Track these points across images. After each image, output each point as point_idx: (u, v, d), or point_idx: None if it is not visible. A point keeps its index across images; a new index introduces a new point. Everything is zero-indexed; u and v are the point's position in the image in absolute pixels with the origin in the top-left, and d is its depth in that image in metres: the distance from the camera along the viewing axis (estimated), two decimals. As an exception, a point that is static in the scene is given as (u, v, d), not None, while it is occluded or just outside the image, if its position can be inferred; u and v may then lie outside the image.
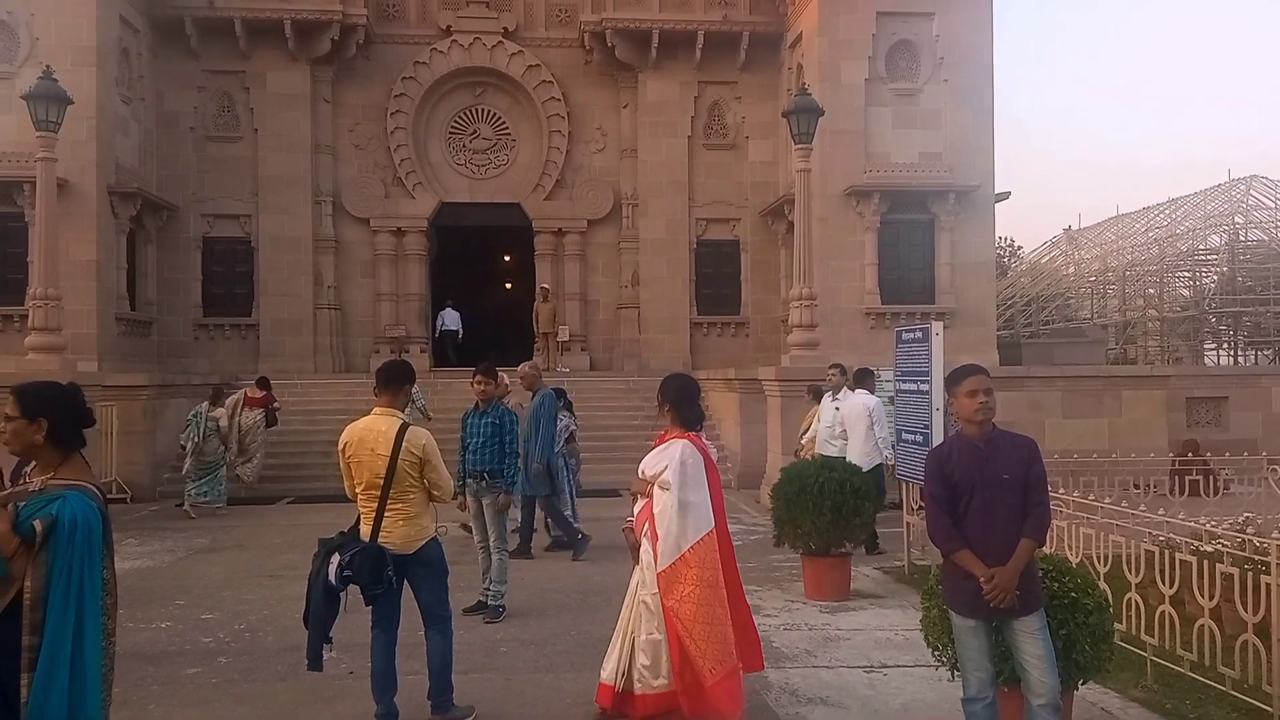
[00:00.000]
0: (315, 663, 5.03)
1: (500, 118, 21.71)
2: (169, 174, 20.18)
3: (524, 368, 10.32)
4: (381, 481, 5.03)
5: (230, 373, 18.42)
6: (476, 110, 21.65)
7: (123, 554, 9.77)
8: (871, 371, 10.83)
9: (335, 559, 4.97)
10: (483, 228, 22.11)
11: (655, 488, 5.06)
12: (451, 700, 5.37)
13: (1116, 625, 5.47)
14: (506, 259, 26.10)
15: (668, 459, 5.08)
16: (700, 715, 4.87)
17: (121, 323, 18.41)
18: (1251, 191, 26.57)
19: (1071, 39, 78.79)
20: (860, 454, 9.62)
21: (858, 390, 10.20)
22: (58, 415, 3.32)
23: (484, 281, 26.31)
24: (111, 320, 17.96)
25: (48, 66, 13.58)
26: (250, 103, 20.51)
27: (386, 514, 5.07)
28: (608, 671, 5.17)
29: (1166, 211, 28.16)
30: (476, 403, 7.85)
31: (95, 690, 3.11)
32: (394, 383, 5.27)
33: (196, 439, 12.97)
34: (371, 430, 5.13)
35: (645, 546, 5.07)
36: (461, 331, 21.86)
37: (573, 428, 10.90)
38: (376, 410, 5.25)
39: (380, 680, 5.22)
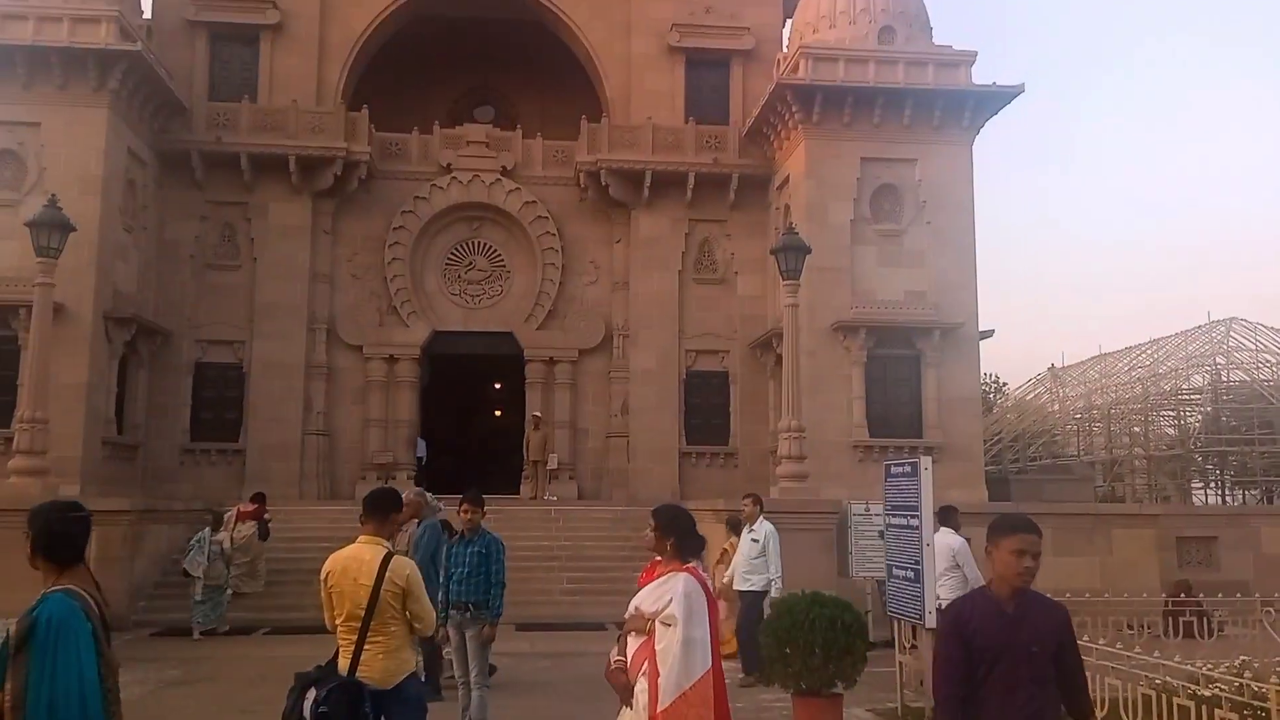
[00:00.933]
0: None
1: (496, 250, 22.20)
2: (166, 300, 20.45)
3: (409, 494, 9.39)
4: (362, 613, 4.86)
5: (215, 499, 18.20)
6: (473, 243, 22.16)
7: (92, 686, 9.44)
8: (954, 509, 10.09)
9: (311, 694, 4.77)
10: (475, 356, 22.34)
11: (658, 624, 4.80)
12: None
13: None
14: (497, 387, 26.24)
15: (670, 593, 4.87)
16: None
17: (108, 446, 18.32)
18: (1231, 333, 27.10)
19: (1054, 182, 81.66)
20: (944, 589, 8.99)
21: (942, 529, 9.44)
22: (35, 532, 3.56)
23: (473, 409, 26.39)
24: (98, 443, 17.88)
25: (53, 195, 13.96)
26: (251, 233, 20.98)
27: (367, 646, 4.88)
28: None
29: (1149, 351, 28.64)
30: (460, 531, 7.76)
31: None
32: (380, 510, 5.17)
33: (204, 563, 13.18)
34: (355, 559, 4.99)
35: (641, 685, 4.81)
36: (425, 459, 21.73)
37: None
38: (361, 539, 5.13)
39: None
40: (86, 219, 16.56)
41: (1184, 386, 27.04)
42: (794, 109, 19.31)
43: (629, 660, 4.93)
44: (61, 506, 3.77)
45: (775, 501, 13.75)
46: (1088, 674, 6.38)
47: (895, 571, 8.98)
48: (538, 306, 21.77)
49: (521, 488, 20.88)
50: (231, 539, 14.16)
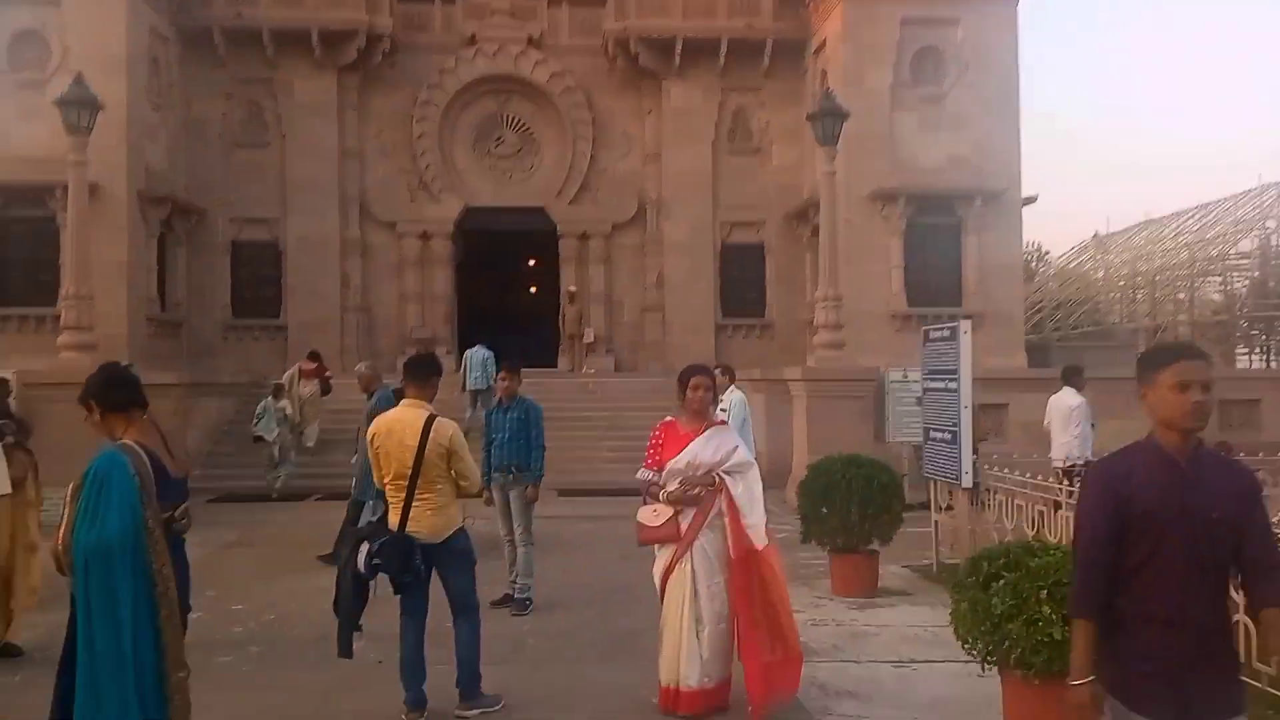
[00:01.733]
0: (346, 650, 5.08)
1: (525, 124, 21.83)
2: (198, 179, 20.43)
3: (360, 368, 9.91)
4: (409, 471, 5.04)
5: (259, 372, 18.55)
6: (502, 116, 21.79)
7: (153, 550, 9.85)
8: (1080, 369, 10.87)
9: (364, 548, 4.99)
10: (508, 232, 22.22)
11: (724, 474, 5.01)
12: (479, 689, 5.38)
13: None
14: (531, 264, 26.20)
15: (729, 443, 5.10)
16: (786, 688, 5.08)
17: (152, 324, 18.63)
18: (1283, 196, 26.27)
19: (1098, 43, 78.31)
20: (1058, 448, 10.21)
21: (1064, 388, 10.42)
22: (98, 395, 3.86)
23: (509, 286, 26.42)
24: (142, 321, 18.18)
25: (79, 73, 13.79)
26: (278, 110, 20.75)
27: (415, 504, 5.08)
28: (693, 678, 5.01)
29: (1196, 216, 27.90)
30: (499, 399, 7.91)
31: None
32: (421, 374, 5.36)
33: (275, 429, 14.30)
34: (400, 421, 5.16)
35: (712, 537, 5.00)
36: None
37: None
38: (405, 402, 5.31)
39: (409, 668, 5.25)
40: (114, 98, 16.39)
41: (1232, 252, 26.40)
42: (831, -34, 18.51)
43: (683, 521, 5.04)
44: (110, 364, 4.13)
45: (812, 370, 13.80)
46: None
47: (933, 434, 9.03)
48: (569, 181, 21.51)
49: (559, 361, 21.06)
50: (297, 396, 15.27)
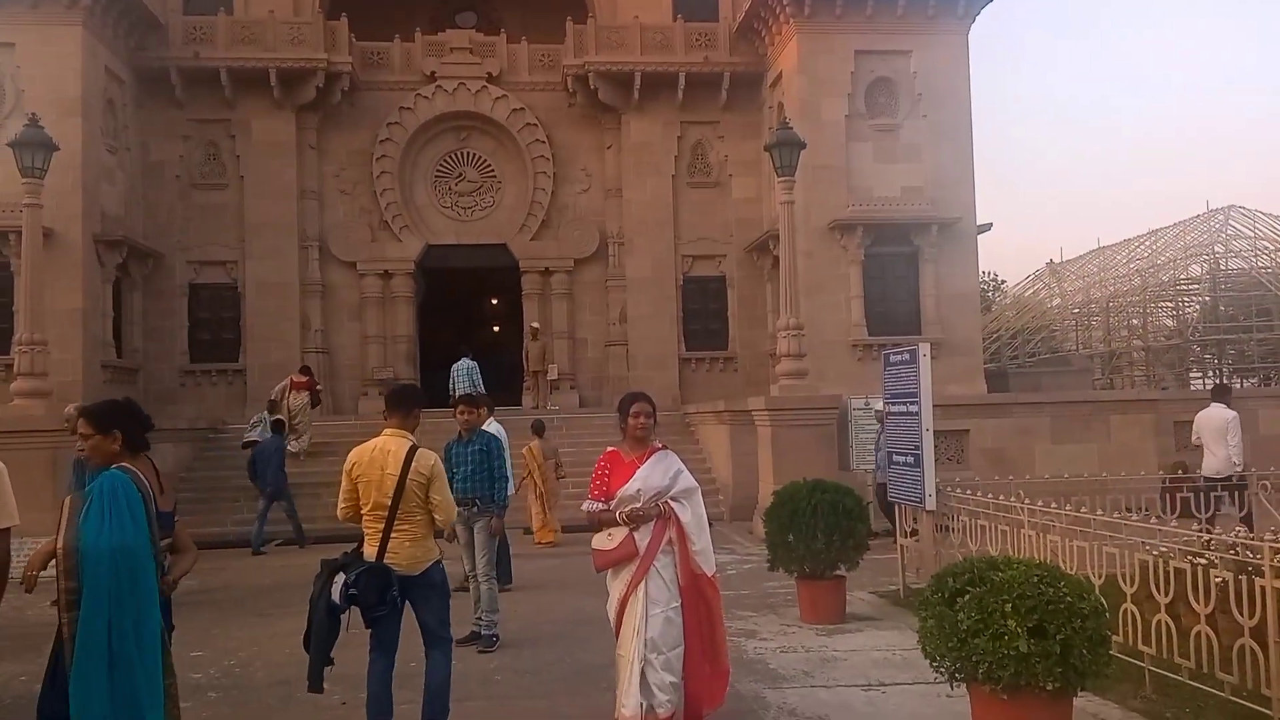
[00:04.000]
0: (316, 684, 4.94)
1: (485, 160, 21.89)
2: (155, 222, 20.24)
3: (67, 409, 10.05)
4: (389, 501, 4.99)
5: (217, 418, 18.34)
6: (462, 154, 21.83)
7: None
8: (1229, 388, 11.87)
9: (340, 579, 4.88)
10: (470, 269, 22.19)
11: (672, 501, 4.97)
12: None
13: (1114, 638, 5.44)
14: (494, 301, 26.16)
15: (674, 468, 5.07)
16: (715, 704, 5.12)
17: (108, 370, 18.34)
18: (1230, 221, 26.94)
19: (1048, 74, 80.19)
20: (1218, 461, 10.79)
21: (1213, 404, 11.09)
22: (127, 425, 4.10)
23: (472, 324, 26.34)
24: (97, 367, 17.89)
25: (33, 114, 13.67)
26: (236, 150, 20.65)
27: (393, 534, 5.02)
28: (630, 708, 4.80)
29: (1147, 243, 28.51)
30: (459, 433, 7.86)
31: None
32: (405, 405, 5.27)
33: (267, 434, 15.03)
34: (382, 450, 5.09)
35: (666, 562, 4.94)
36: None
37: None
38: (387, 432, 5.19)
39: (375, 704, 5.12)
40: (68, 140, 16.27)
41: (1182, 277, 26.98)
42: (785, 2, 18.84)
43: (640, 540, 4.92)
44: (131, 401, 4.41)
45: (775, 400, 13.84)
46: (1085, 544, 6.50)
47: (896, 458, 9.07)
48: (530, 216, 21.56)
49: (523, 398, 20.95)
50: (288, 408, 16.48)
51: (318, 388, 17.73)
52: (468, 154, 21.87)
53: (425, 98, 21.33)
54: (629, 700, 4.80)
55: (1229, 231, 26.65)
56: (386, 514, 4.99)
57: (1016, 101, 72.07)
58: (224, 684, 6.75)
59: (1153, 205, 63.97)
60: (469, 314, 25.85)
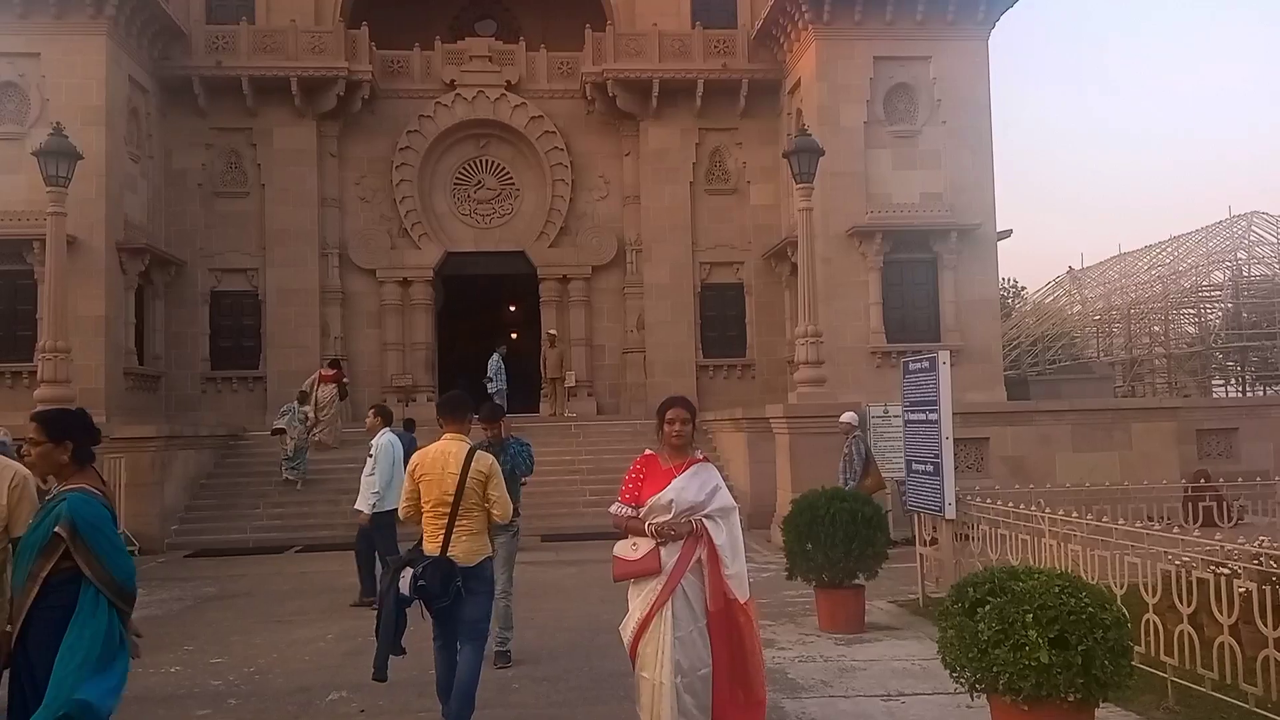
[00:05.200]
0: (381, 673, 5.27)
1: (504, 168, 21.97)
2: (177, 230, 20.43)
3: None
4: (450, 498, 5.35)
5: (238, 425, 18.46)
6: (481, 161, 21.93)
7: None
8: None
9: (408, 571, 5.26)
10: (488, 276, 22.27)
11: (706, 519, 4.62)
12: (470, 717, 5.37)
13: (1136, 648, 5.39)
14: (512, 309, 26.22)
15: (712, 482, 4.73)
16: None
17: (130, 377, 18.50)
18: (1253, 227, 26.70)
19: (1070, 79, 79.77)
20: None
21: None
22: (79, 436, 3.91)
23: (490, 331, 26.42)
24: (120, 375, 18.05)
25: (57, 123, 13.82)
26: (257, 159, 20.82)
27: (455, 529, 5.37)
28: None
29: (1169, 249, 28.28)
30: (488, 443, 7.84)
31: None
32: (460, 412, 5.75)
33: (299, 426, 16.31)
34: (444, 452, 5.48)
35: (692, 582, 4.60)
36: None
37: None
38: (446, 437, 5.58)
39: (445, 687, 5.43)
40: (93, 149, 16.44)
41: (1204, 283, 26.75)
42: (804, 8, 18.82)
43: (667, 557, 4.60)
44: (84, 412, 4.16)
45: (793, 407, 13.80)
46: (1107, 554, 6.45)
47: (914, 466, 9.03)
48: (549, 224, 21.62)
49: (541, 406, 21.01)
50: (316, 399, 17.25)
51: (345, 380, 18.39)
52: (487, 161, 21.96)
53: (445, 105, 21.45)
54: None
55: (1252, 238, 26.41)
56: (449, 510, 5.35)
57: (1039, 107, 71.74)
58: (244, 691, 6.78)
59: (1175, 212, 63.48)
60: (487, 321, 25.91)
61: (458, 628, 5.43)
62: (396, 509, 8.17)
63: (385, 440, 9.69)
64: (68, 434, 3.89)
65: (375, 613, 5.56)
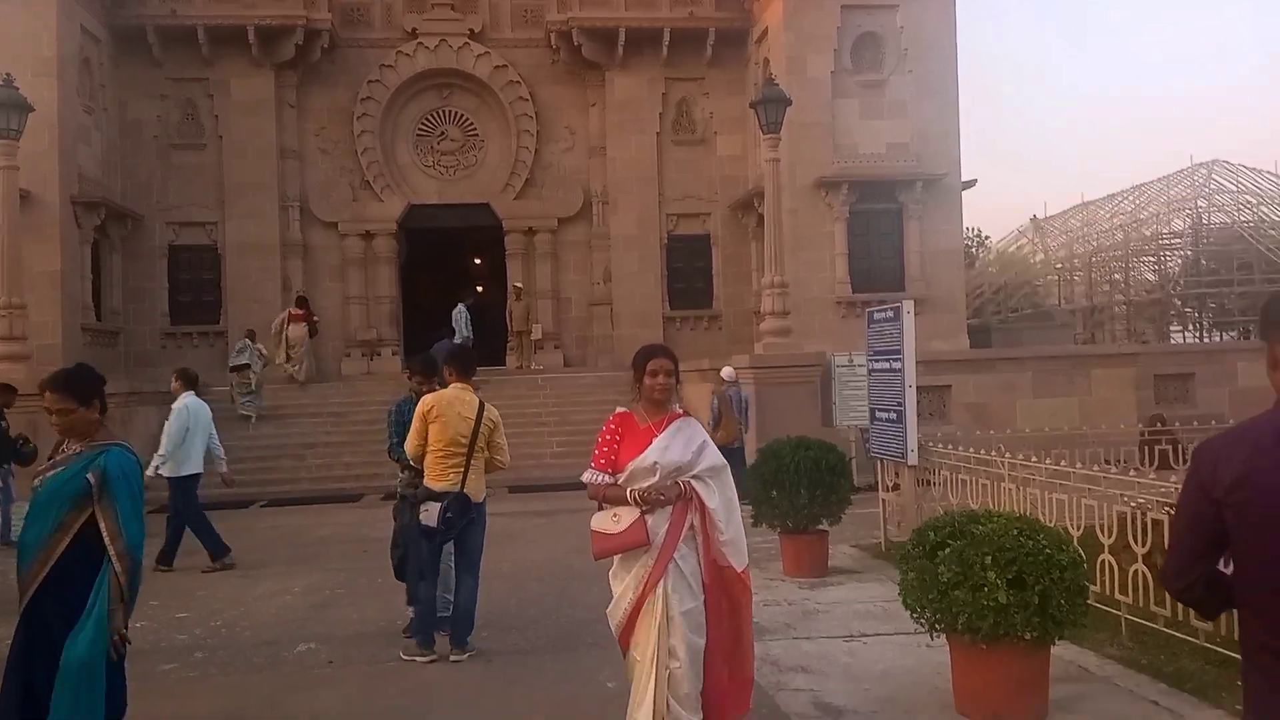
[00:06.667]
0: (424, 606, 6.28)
1: (468, 119, 21.65)
2: (133, 183, 19.98)
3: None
4: (465, 440, 6.07)
5: (201, 382, 18.20)
6: (444, 112, 21.58)
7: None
8: None
9: (435, 506, 6.00)
10: (453, 229, 22.02)
11: (694, 481, 4.11)
12: (468, 638, 6.22)
13: (1092, 588, 5.52)
14: (477, 262, 26.02)
15: (698, 439, 4.20)
16: (736, 711, 4.27)
17: (88, 333, 18.19)
18: (1213, 176, 26.95)
19: (1033, 31, 79.72)
20: None
21: None
22: (102, 393, 3.93)
23: (455, 284, 26.21)
24: (77, 330, 17.75)
25: (8, 75, 13.44)
26: (214, 110, 20.35)
27: (470, 467, 6.10)
28: None
29: (1130, 198, 28.52)
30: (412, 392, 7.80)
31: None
32: (467, 364, 6.43)
33: (255, 362, 16.80)
34: (458, 399, 6.17)
35: (686, 553, 4.07)
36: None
37: None
38: (455, 386, 6.25)
39: (430, 617, 6.22)
40: (44, 101, 15.95)
41: (1165, 231, 27.06)
42: (770, -45, 18.60)
43: (655, 526, 4.05)
44: (86, 366, 4.17)
45: (760, 357, 13.88)
46: (1065, 497, 6.58)
47: (878, 414, 9.13)
48: (514, 175, 21.38)
49: (507, 359, 20.95)
50: (287, 339, 18.10)
51: (314, 319, 18.86)
52: (450, 112, 21.61)
53: (406, 55, 21.04)
54: (688, 716, 4.01)
55: (1212, 186, 26.68)
56: (465, 451, 6.07)
57: (1005, 57, 71.71)
58: (210, 644, 6.78)
59: (1138, 162, 63.96)
60: (453, 274, 25.68)
61: (462, 558, 6.22)
62: (198, 474, 9.47)
63: (180, 405, 9.60)
64: (95, 393, 3.87)
65: (393, 551, 6.57)
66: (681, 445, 4.11)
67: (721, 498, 4.15)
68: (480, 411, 6.15)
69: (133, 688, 5.79)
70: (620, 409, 4.32)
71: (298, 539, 11.17)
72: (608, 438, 4.20)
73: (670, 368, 4.20)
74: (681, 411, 4.28)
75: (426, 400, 6.18)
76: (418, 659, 6.08)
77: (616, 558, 4.10)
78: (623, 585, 4.08)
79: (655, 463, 4.04)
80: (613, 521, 4.05)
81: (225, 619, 7.47)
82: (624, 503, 4.06)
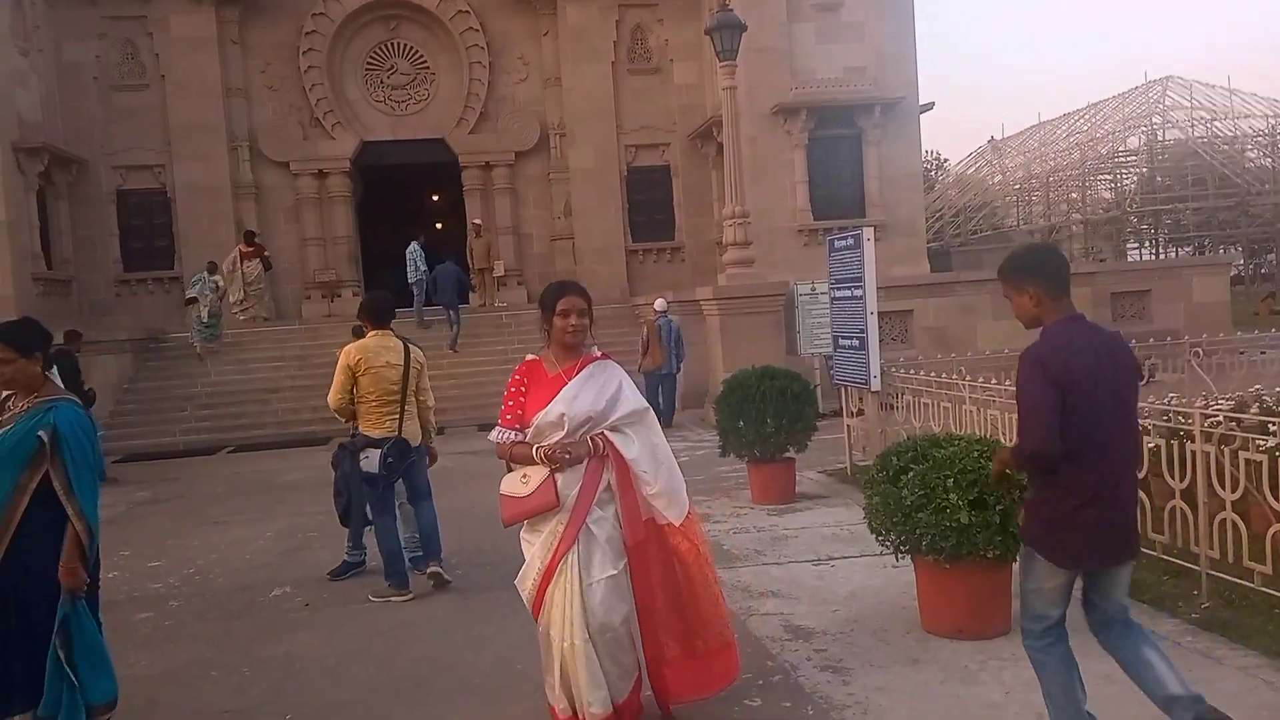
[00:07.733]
0: (360, 553, 6.82)
1: (417, 51, 21.14)
2: (76, 127, 19.35)
3: None
4: (397, 389, 6.10)
5: (157, 328, 18.00)
6: (392, 44, 21.04)
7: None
8: None
9: (375, 453, 6.03)
10: (408, 165, 21.63)
11: (610, 431, 3.77)
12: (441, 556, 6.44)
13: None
14: (435, 198, 25.64)
15: (615, 383, 3.82)
16: (713, 684, 4.01)
17: (39, 282, 17.78)
18: (1168, 92, 27.10)
19: (989, -50, 78.85)
20: None
21: None
22: (45, 345, 3.88)
23: (412, 223, 25.86)
24: (28, 280, 17.33)
25: (-67, 16, 12.89)
26: (155, 48, 19.69)
27: (404, 413, 6.15)
28: (563, 701, 3.75)
29: (1087, 116, 28.66)
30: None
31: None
32: (386, 314, 6.34)
33: (211, 294, 16.64)
34: (382, 346, 6.15)
35: (603, 516, 3.73)
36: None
37: None
38: (375, 334, 6.19)
39: (398, 557, 6.24)
40: (-27, 42, 15.40)
41: (1121, 149, 27.25)
42: (721, -126, 18.13)
43: (565, 487, 3.71)
44: (29, 319, 4.05)
45: (723, 289, 13.88)
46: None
47: (841, 341, 9.20)
48: (468, 109, 20.98)
49: (470, 296, 20.78)
50: (243, 276, 18.11)
51: (266, 253, 18.76)
52: (399, 45, 21.07)
53: (351, -15, 20.41)
54: (595, 695, 3.65)
55: (1167, 102, 26.84)
56: (398, 398, 6.09)
57: (959, -25, 70.97)
58: (185, 592, 6.79)
59: (1094, 76, 63.99)
60: (410, 212, 25.33)
61: (412, 492, 6.40)
62: None
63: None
64: (37, 345, 3.79)
65: (336, 499, 6.52)
66: (594, 393, 3.74)
67: (644, 445, 3.78)
68: (407, 356, 6.16)
69: (109, 638, 5.84)
70: (530, 356, 3.95)
71: (267, 484, 11.14)
72: (513, 390, 3.84)
73: (583, 306, 3.82)
74: (599, 354, 3.90)
75: (350, 352, 6.10)
76: (393, 599, 6.12)
77: (525, 521, 3.77)
78: (532, 551, 3.74)
79: (562, 414, 3.68)
80: (521, 483, 3.71)
81: (199, 566, 7.48)
82: (532, 461, 3.71)
